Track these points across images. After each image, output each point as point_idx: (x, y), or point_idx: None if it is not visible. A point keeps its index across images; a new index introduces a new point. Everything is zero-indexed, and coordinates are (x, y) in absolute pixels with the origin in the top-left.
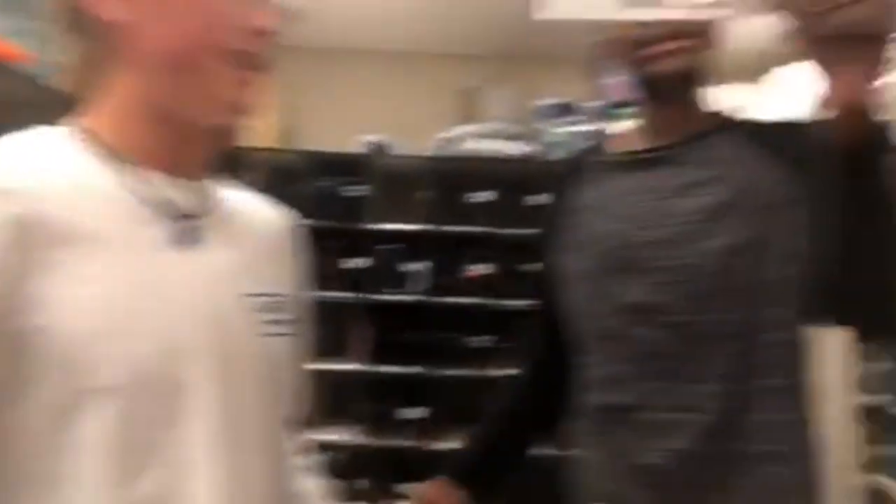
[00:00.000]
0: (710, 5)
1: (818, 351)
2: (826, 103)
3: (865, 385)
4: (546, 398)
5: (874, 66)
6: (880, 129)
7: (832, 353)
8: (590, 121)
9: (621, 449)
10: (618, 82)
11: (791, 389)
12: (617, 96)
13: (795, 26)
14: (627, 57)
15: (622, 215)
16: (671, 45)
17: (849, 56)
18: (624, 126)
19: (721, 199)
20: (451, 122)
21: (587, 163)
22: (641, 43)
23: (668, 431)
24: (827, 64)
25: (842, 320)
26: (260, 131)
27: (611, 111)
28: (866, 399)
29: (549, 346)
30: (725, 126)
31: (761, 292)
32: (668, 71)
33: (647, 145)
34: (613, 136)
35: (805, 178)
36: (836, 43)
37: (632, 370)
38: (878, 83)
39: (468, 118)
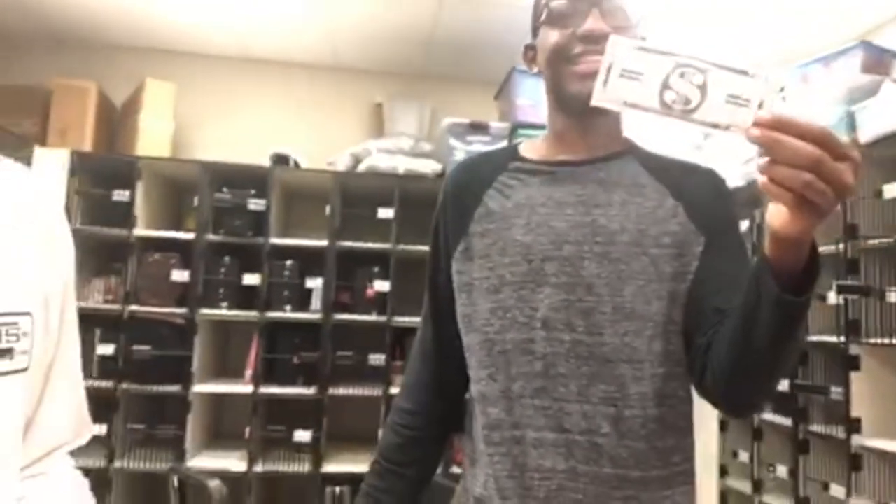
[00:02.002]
0: (725, 128)
1: None
2: (770, 222)
3: None
4: (442, 414)
5: (819, 220)
6: (814, 267)
7: None
8: (497, 141)
9: (508, 467)
10: (525, 104)
11: (663, 419)
12: (524, 117)
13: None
14: (558, 70)
15: (539, 226)
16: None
17: (805, 206)
18: (531, 137)
19: (626, 225)
20: (360, 137)
21: (496, 168)
22: (576, 58)
23: (555, 451)
24: (785, 202)
25: (708, 397)
26: (154, 139)
27: (519, 132)
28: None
29: (442, 360)
30: (634, 151)
31: (648, 323)
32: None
33: (559, 157)
34: (523, 145)
35: (701, 225)
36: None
37: (526, 387)
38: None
39: (377, 134)
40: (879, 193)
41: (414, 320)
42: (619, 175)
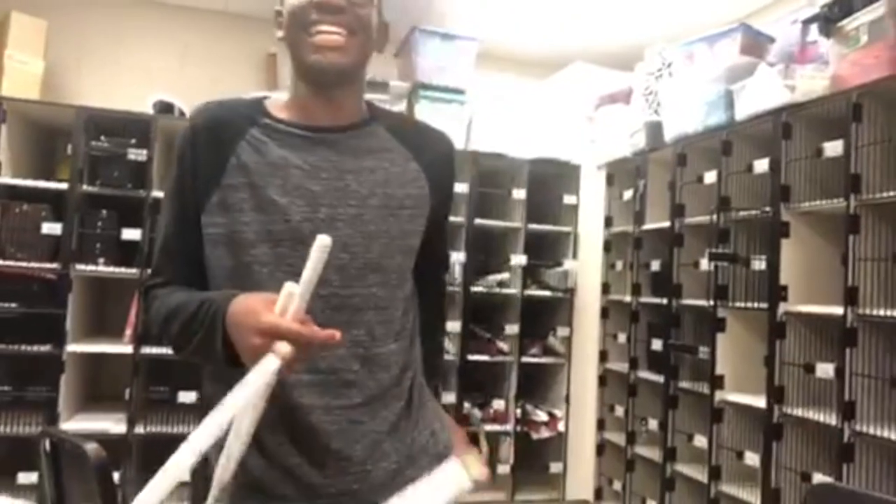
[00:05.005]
0: None
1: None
2: None
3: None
4: None
5: None
6: None
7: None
8: (397, 101)
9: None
10: (429, 64)
11: (400, 350)
12: (426, 78)
13: None
14: (296, 38)
15: (296, 188)
16: (340, 38)
17: None
18: (278, 95)
19: (375, 190)
20: (252, 88)
21: (245, 121)
22: (311, 25)
23: (311, 390)
24: None
25: None
26: (21, 79)
27: (420, 92)
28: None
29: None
30: (380, 117)
31: (392, 274)
32: (334, 62)
33: (306, 121)
34: (269, 101)
35: (433, 190)
36: None
37: None
38: None
39: (269, 86)
40: (750, 168)
41: None
42: (369, 142)
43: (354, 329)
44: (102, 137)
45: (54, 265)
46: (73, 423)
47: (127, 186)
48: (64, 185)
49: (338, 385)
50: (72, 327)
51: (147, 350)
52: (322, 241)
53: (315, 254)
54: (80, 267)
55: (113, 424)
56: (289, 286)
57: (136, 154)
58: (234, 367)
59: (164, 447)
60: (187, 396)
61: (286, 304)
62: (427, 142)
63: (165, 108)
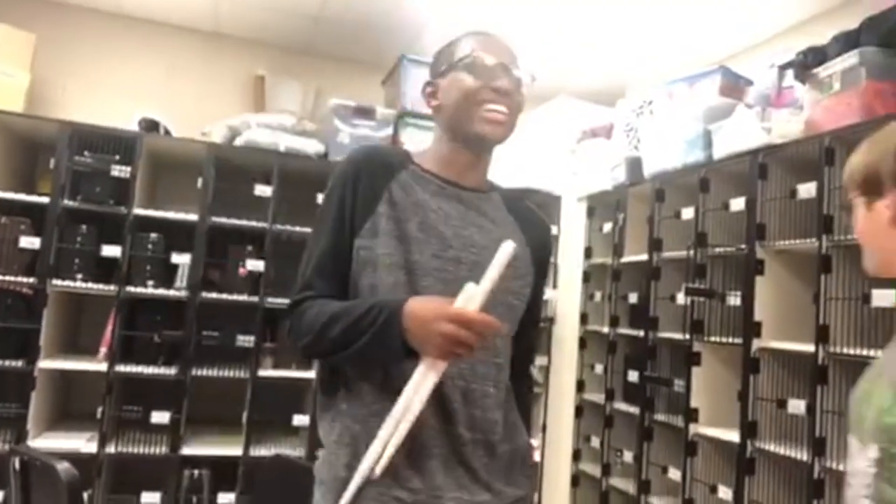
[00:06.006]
0: None
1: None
2: None
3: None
4: None
5: None
6: None
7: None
8: (383, 126)
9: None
10: (414, 93)
11: (496, 396)
12: (412, 106)
13: None
14: (467, 110)
15: (431, 228)
16: (505, 116)
17: None
18: (421, 144)
19: (491, 245)
20: (238, 109)
21: (397, 165)
22: (485, 103)
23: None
24: None
25: None
26: (5, 91)
27: (406, 119)
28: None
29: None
30: (497, 190)
31: (506, 318)
32: (497, 135)
33: (445, 175)
34: (415, 153)
35: (535, 261)
36: None
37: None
38: None
39: (256, 107)
40: (726, 206)
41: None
42: (488, 206)
43: (462, 364)
44: (86, 153)
45: (30, 279)
46: (42, 441)
47: (109, 203)
48: (45, 199)
49: (437, 409)
50: (45, 343)
51: (122, 368)
52: (506, 247)
53: (498, 257)
54: (57, 282)
55: (83, 443)
56: (469, 286)
57: (120, 171)
58: (405, 358)
59: (135, 467)
60: (160, 417)
61: (464, 303)
62: (531, 219)
63: (151, 125)
